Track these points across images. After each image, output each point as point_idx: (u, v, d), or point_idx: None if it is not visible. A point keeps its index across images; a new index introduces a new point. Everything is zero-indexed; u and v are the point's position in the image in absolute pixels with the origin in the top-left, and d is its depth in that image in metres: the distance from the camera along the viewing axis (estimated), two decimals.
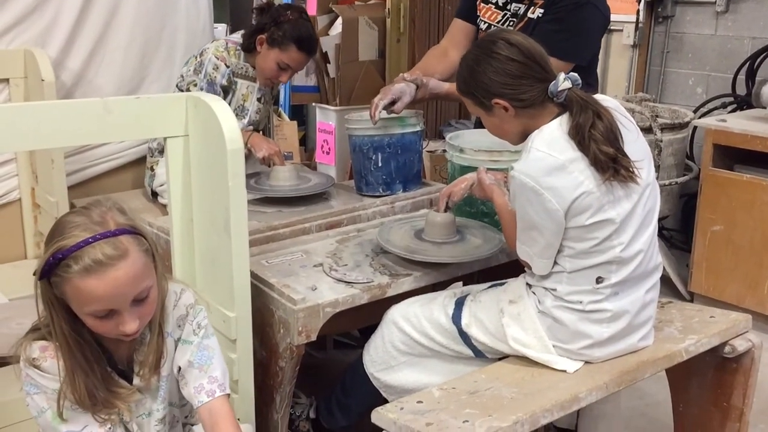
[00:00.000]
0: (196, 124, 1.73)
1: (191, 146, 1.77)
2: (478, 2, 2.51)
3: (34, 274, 1.27)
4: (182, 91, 2.60)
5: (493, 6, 2.46)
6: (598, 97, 1.67)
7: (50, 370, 1.29)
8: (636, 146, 1.66)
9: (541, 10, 2.31)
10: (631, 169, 1.59)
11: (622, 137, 1.61)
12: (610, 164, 1.57)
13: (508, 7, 2.42)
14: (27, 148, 2.01)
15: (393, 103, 2.28)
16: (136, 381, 1.39)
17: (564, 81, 1.61)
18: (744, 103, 3.68)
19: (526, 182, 1.59)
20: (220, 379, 1.45)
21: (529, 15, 2.35)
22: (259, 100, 2.75)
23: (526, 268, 1.77)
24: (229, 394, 1.46)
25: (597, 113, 1.60)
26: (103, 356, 1.36)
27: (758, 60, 3.61)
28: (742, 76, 3.70)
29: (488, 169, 1.94)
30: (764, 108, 3.29)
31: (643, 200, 1.66)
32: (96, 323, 1.27)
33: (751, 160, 3.25)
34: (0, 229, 2.54)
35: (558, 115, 1.64)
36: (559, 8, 2.28)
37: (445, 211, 2.00)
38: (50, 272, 1.23)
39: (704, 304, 2.62)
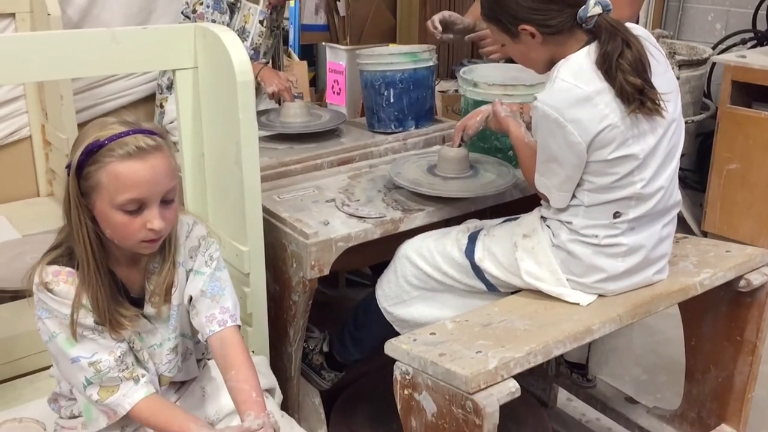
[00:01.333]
0: (205, 55, 1.70)
1: (201, 79, 1.74)
2: None
3: (66, 168, 1.27)
4: (188, 18, 2.54)
5: None
6: (628, 25, 1.61)
7: (62, 294, 1.29)
8: (664, 79, 1.60)
9: None
10: (657, 101, 1.55)
11: (650, 68, 1.55)
12: (637, 96, 1.52)
13: None
14: (34, 78, 1.99)
15: (447, 28, 2.29)
16: (147, 309, 1.40)
17: (594, 6, 1.54)
18: (764, 38, 3.59)
19: (549, 113, 1.54)
20: (232, 310, 1.45)
21: None
22: (261, 23, 2.69)
23: (542, 201, 1.74)
24: (240, 326, 1.47)
25: (626, 42, 1.54)
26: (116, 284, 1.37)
27: None
28: (762, 12, 3.61)
29: (503, 101, 1.89)
30: None
31: (668, 135, 1.62)
32: (124, 221, 1.26)
33: None
34: (11, 166, 2.54)
35: (586, 43, 1.58)
36: None
37: (460, 145, 1.97)
38: (87, 161, 1.24)
39: None
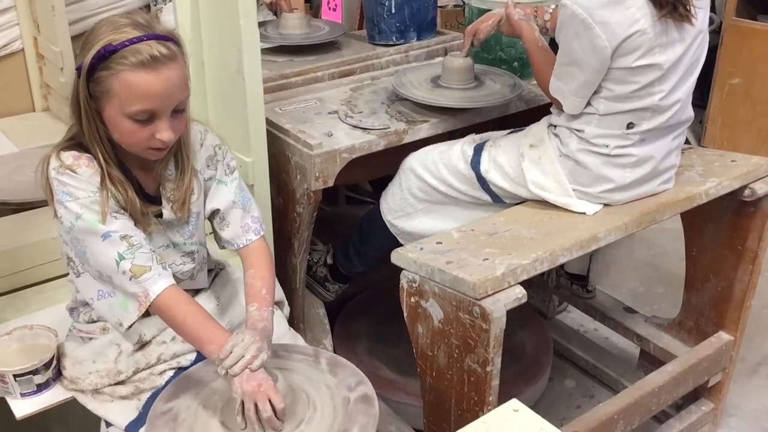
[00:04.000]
0: None
1: None
2: None
3: (77, 69, 1.23)
4: None
5: None
6: None
7: (86, 175, 1.26)
8: None
9: None
10: (689, 7, 1.51)
11: None
12: (670, 0, 1.48)
13: None
14: None
15: None
16: (166, 214, 1.38)
17: None
18: None
19: (577, 13, 1.50)
20: (260, 219, 1.48)
21: None
22: None
23: (552, 109, 1.72)
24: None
25: None
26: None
27: None
28: None
29: (516, 3, 1.83)
30: None
31: (694, 47, 1.58)
32: (133, 128, 1.23)
33: None
34: (5, 81, 2.47)
35: None
36: None
37: (470, 49, 1.91)
38: (98, 65, 1.19)
39: None
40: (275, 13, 2.46)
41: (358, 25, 3.65)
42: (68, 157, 1.27)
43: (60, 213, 1.27)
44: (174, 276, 1.33)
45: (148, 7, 2.65)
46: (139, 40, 1.19)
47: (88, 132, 1.25)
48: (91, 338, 1.45)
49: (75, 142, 1.29)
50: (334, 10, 4.46)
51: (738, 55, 3.21)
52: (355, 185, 3.03)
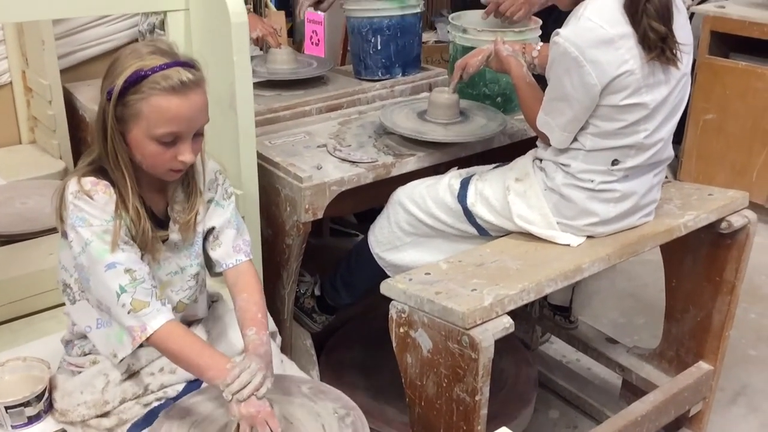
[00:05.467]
0: None
1: (192, 21, 1.72)
2: None
3: (108, 93, 1.27)
4: None
5: None
6: None
7: (102, 201, 1.30)
8: (684, 31, 1.62)
9: None
10: (675, 51, 1.57)
11: (673, 17, 1.57)
12: (659, 43, 1.54)
13: None
14: (28, 18, 1.95)
15: (319, 2, 2.42)
16: (172, 235, 1.41)
17: None
18: None
19: (569, 51, 1.55)
20: (250, 244, 1.53)
21: None
22: None
23: (538, 143, 1.77)
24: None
25: None
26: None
27: None
28: None
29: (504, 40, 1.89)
30: None
31: (678, 89, 1.65)
32: (157, 150, 1.28)
33: (747, 48, 3.24)
34: None
35: None
36: None
37: (458, 85, 1.97)
38: (129, 89, 1.24)
39: None
40: (262, 48, 2.50)
41: (341, 61, 3.72)
42: (87, 182, 1.30)
43: (71, 237, 1.30)
44: (179, 302, 1.35)
45: (135, 42, 2.69)
46: (168, 66, 1.26)
47: (112, 155, 1.30)
48: (80, 371, 1.46)
49: (95, 167, 1.33)
50: (317, 44, 4.53)
51: (711, 92, 3.31)
52: (340, 217, 3.06)
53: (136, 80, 1.24)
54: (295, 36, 4.96)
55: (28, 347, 1.57)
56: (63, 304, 1.50)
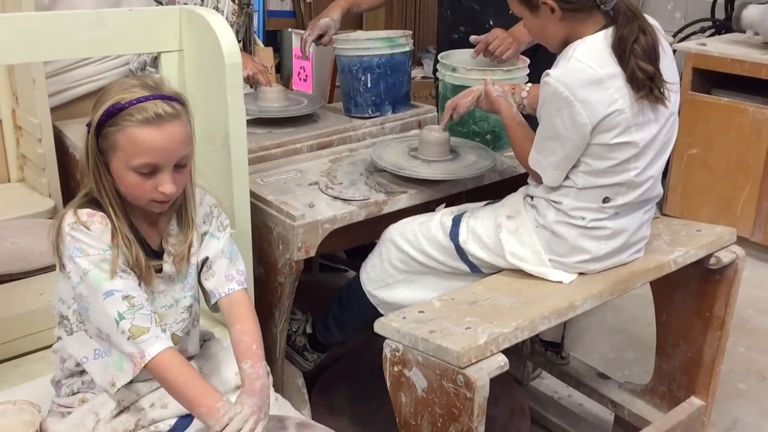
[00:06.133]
0: (191, 38, 1.70)
1: (186, 61, 1.74)
2: None
3: (87, 126, 1.31)
4: (160, 3, 2.51)
5: None
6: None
7: (99, 231, 1.32)
8: (670, 71, 1.65)
9: None
10: (663, 89, 1.59)
11: (660, 57, 1.60)
12: (647, 82, 1.56)
13: None
14: (21, 60, 1.96)
15: (321, 37, 2.43)
16: (166, 267, 1.42)
17: None
18: (722, 27, 3.71)
19: (560, 91, 1.57)
20: (245, 274, 1.54)
21: None
22: (233, 0, 2.68)
23: (530, 180, 1.79)
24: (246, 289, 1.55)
25: (642, 28, 1.58)
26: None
27: None
28: (720, 1, 3.72)
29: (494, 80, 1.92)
30: (744, 32, 3.33)
31: (667, 127, 1.67)
32: (137, 181, 1.31)
33: (729, 83, 3.30)
34: None
35: (603, 27, 1.61)
36: None
37: (447, 123, 1.99)
38: (107, 121, 1.28)
39: None
40: (252, 87, 2.52)
41: (329, 97, 3.75)
42: (83, 214, 1.33)
43: (69, 268, 1.31)
44: (173, 335, 1.36)
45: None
46: (146, 99, 1.29)
47: (98, 184, 1.33)
48: (70, 411, 1.44)
49: (89, 199, 1.35)
50: (305, 80, 4.58)
51: (695, 127, 3.36)
52: (330, 253, 3.06)
53: (113, 112, 1.28)
54: (282, 72, 5.02)
55: (18, 390, 1.55)
56: (51, 345, 1.49)
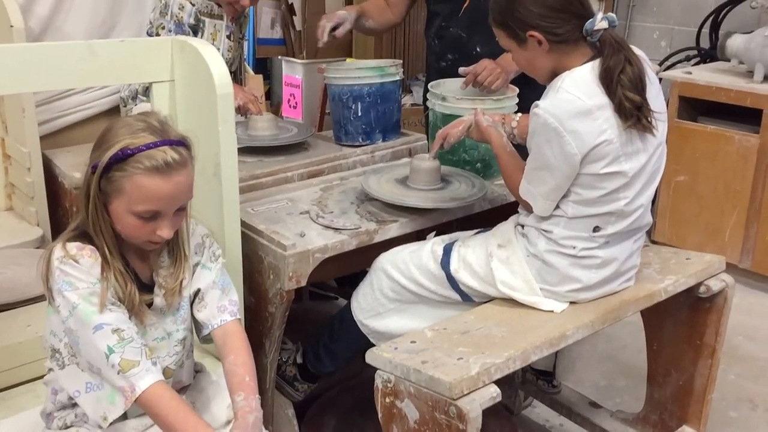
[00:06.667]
0: (183, 68, 1.71)
1: (177, 91, 1.74)
2: None
3: (92, 167, 1.30)
4: (153, 37, 2.53)
5: None
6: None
7: (88, 265, 1.31)
8: (657, 101, 1.67)
9: None
10: (650, 119, 1.61)
11: (646, 87, 1.62)
12: (634, 112, 1.58)
13: None
14: (13, 90, 1.97)
15: (335, 28, 2.44)
16: (156, 301, 1.42)
17: (601, 21, 1.59)
18: (707, 56, 3.76)
19: (549, 122, 1.58)
20: (237, 304, 1.53)
21: None
22: (228, 37, 2.70)
23: (520, 209, 1.79)
24: (240, 320, 1.54)
25: (628, 59, 1.59)
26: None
27: (722, 13, 3.69)
28: (705, 30, 3.78)
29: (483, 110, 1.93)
30: (728, 61, 3.37)
31: (655, 156, 1.69)
32: (136, 224, 1.31)
33: (715, 111, 3.34)
34: None
35: (591, 59, 1.63)
36: None
37: (437, 153, 2.00)
38: (113, 166, 1.28)
39: None
40: (243, 115, 2.52)
41: (319, 124, 3.76)
42: (72, 247, 1.32)
43: (58, 302, 1.30)
44: (166, 368, 1.35)
45: (116, 108, 2.70)
46: (155, 145, 1.29)
47: (94, 222, 1.32)
48: None
49: (79, 232, 1.35)
50: (295, 107, 4.59)
51: (682, 154, 3.39)
52: (320, 281, 3.05)
53: (121, 158, 1.27)
54: (272, 99, 5.04)
55: (4, 424, 1.53)
56: (41, 377, 1.47)
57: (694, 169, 3.39)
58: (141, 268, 1.43)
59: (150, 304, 1.41)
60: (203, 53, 1.63)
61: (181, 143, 1.33)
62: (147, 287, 1.42)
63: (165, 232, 1.33)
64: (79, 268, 1.30)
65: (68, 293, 1.29)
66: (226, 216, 1.69)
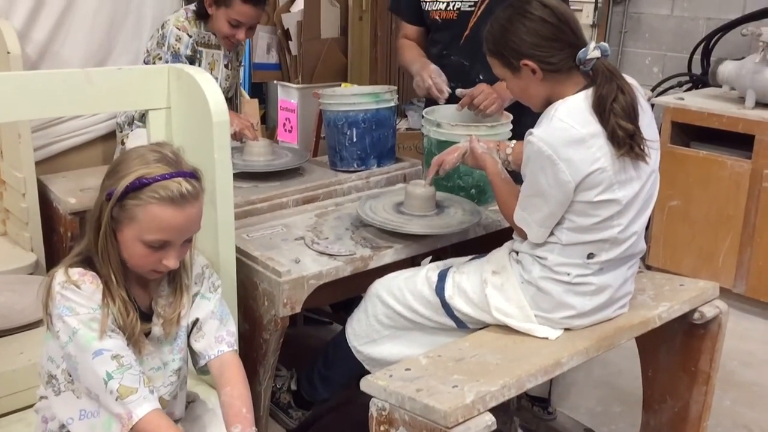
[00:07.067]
0: (179, 96, 1.72)
1: (173, 118, 1.75)
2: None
3: (107, 195, 1.31)
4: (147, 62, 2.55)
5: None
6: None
7: (89, 291, 1.32)
8: (650, 129, 1.69)
9: None
10: (643, 147, 1.62)
11: (639, 115, 1.63)
12: (627, 140, 1.59)
13: None
14: (10, 118, 1.97)
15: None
16: (155, 330, 1.42)
17: (594, 50, 1.61)
18: (699, 82, 3.79)
19: (543, 150, 1.60)
20: (235, 335, 1.54)
21: None
22: (226, 66, 2.72)
23: (515, 236, 1.80)
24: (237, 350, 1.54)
25: (621, 88, 1.61)
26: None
27: (713, 40, 3.72)
28: (697, 56, 3.81)
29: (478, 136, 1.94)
30: (720, 87, 3.40)
31: (648, 184, 1.70)
32: (144, 253, 1.33)
33: (707, 137, 3.36)
34: None
35: (584, 88, 1.65)
36: None
37: (433, 179, 2.01)
38: (128, 195, 1.29)
39: None
40: (240, 141, 2.53)
41: (315, 149, 3.78)
42: (74, 273, 1.33)
43: (58, 327, 1.31)
44: (160, 398, 1.35)
45: (113, 134, 2.71)
46: (171, 176, 1.31)
47: (102, 249, 1.33)
48: None
49: (82, 258, 1.36)
50: (290, 131, 4.61)
51: (675, 179, 3.40)
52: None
53: (137, 187, 1.29)
54: (268, 123, 5.06)
55: None
56: (31, 405, 1.46)
57: (687, 193, 3.40)
58: (141, 296, 1.43)
59: (148, 333, 1.41)
60: (199, 81, 1.64)
61: (194, 175, 1.36)
62: (146, 316, 1.43)
63: (171, 262, 1.35)
64: (81, 294, 1.31)
65: (69, 318, 1.30)
66: (221, 243, 1.69)
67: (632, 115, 1.62)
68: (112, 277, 1.34)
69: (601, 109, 1.61)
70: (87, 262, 1.35)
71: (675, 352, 2.02)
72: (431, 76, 2.33)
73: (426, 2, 2.52)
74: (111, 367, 1.29)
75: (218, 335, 1.50)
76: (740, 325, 3.25)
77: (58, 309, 1.31)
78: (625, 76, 1.69)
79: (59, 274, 1.33)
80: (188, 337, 1.51)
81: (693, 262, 3.43)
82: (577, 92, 1.65)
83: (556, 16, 1.62)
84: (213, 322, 1.51)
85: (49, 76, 1.59)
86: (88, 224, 1.36)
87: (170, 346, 1.46)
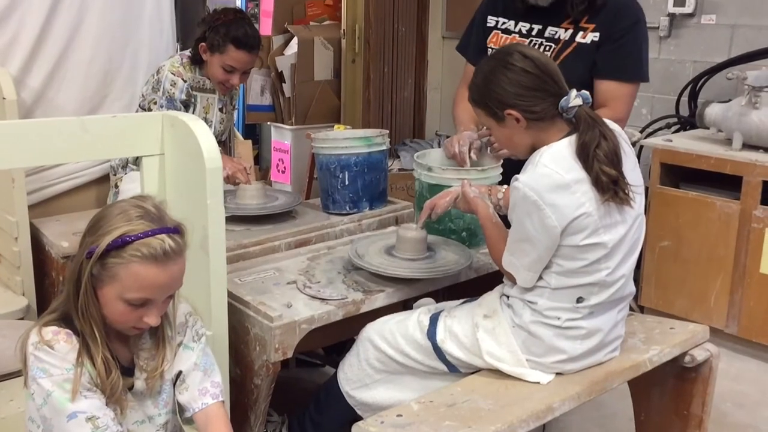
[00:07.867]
0: (173, 142, 1.74)
1: (167, 164, 1.77)
2: (491, 37, 2.41)
3: (87, 253, 1.29)
4: (144, 110, 2.59)
5: (517, 35, 2.35)
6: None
7: (63, 351, 1.30)
8: (634, 174, 1.72)
9: (596, 34, 2.22)
10: (628, 192, 1.65)
11: (622, 161, 1.66)
12: (611, 186, 1.62)
13: (536, 33, 2.31)
14: (4, 167, 1.99)
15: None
16: (138, 384, 1.40)
17: (575, 98, 1.65)
18: (687, 123, 3.84)
19: (528, 195, 1.62)
20: (221, 386, 1.51)
21: (579, 40, 2.24)
22: (221, 110, 2.76)
23: (505, 280, 1.81)
24: (223, 402, 1.51)
25: (603, 134, 1.64)
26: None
27: (700, 83, 3.78)
28: (684, 98, 3.87)
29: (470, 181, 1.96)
30: (708, 128, 3.45)
31: (634, 227, 1.73)
32: (125, 311, 1.31)
33: (696, 178, 3.40)
34: None
35: (568, 134, 1.68)
36: (620, 30, 2.21)
37: (425, 222, 2.02)
38: (110, 253, 1.27)
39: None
40: (233, 184, 2.56)
41: (307, 190, 3.80)
42: (48, 332, 1.31)
43: (33, 389, 1.29)
44: None
45: (106, 177, 2.72)
46: (154, 233, 1.29)
47: (83, 307, 1.31)
48: None
49: (58, 315, 1.34)
50: (283, 172, 4.64)
51: (665, 220, 3.43)
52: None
53: (119, 245, 1.27)
54: (261, 164, 5.09)
55: None
56: None
57: (677, 234, 3.42)
58: (122, 352, 1.42)
59: (131, 387, 1.40)
60: (193, 128, 1.66)
61: (177, 230, 1.34)
62: (127, 370, 1.41)
63: (152, 320, 1.34)
64: (54, 355, 1.29)
65: (42, 380, 1.28)
66: (212, 288, 1.69)
67: (615, 160, 1.65)
68: (95, 334, 1.32)
69: (584, 155, 1.64)
70: (64, 319, 1.33)
71: (667, 396, 2.02)
72: (459, 143, 2.26)
73: (493, 48, 2.39)
74: (86, 430, 1.27)
75: (202, 387, 1.48)
76: (733, 366, 3.25)
77: (32, 371, 1.29)
78: (607, 121, 1.72)
79: (33, 334, 1.31)
80: (174, 388, 1.49)
81: (685, 302, 3.44)
82: (561, 138, 1.68)
83: (537, 66, 1.66)
84: (196, 374, 1.49)
85: (44, 125, 1.61)
86: (67, 281, 1.34)
87: (154, 399, 1.44)
